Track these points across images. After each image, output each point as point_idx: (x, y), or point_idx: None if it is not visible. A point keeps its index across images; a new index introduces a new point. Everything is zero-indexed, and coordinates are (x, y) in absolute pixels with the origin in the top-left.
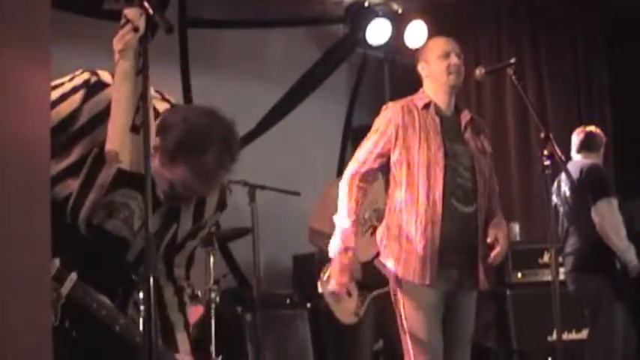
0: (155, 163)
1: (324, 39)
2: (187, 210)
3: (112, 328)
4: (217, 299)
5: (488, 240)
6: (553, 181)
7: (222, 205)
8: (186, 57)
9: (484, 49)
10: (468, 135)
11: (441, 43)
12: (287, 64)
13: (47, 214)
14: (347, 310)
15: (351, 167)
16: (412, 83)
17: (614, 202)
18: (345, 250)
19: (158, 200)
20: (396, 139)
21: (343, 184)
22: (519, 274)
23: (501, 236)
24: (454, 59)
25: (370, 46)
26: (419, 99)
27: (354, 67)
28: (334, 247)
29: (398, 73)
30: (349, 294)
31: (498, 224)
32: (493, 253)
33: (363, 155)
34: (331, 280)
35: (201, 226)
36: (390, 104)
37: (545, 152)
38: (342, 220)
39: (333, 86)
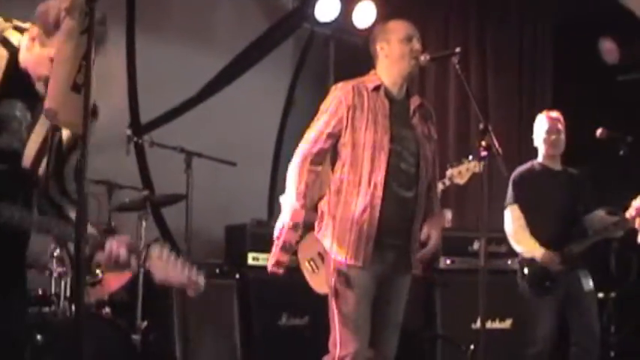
0: (34, 50)
1: (273, 11)
2: None
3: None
4: None
5: (422, 236)
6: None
7: (94, 112)
8: (133, 21)
9: (431, 36)
10: (415, 120)
11: (404, 27)
12: (234, 33)
13: None
14: (321, 282)
15: (303, 148)
16: (357, 63)
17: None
18: (295, 226)
19: (38, 97)
20: (347, 119)
21: (294, 166)
22: (448, 261)
23: (434, 235)
24: (416, 45)
25: (318, 23)
26: (370, 81)
27: (300, 42)
28: (281, 223)
29: (343, 52)
30: (316, 268)
31: (435, 221)
32: (423, 250)
33: (314, 135)
34: (270, 259)
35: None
36: (340, 84)
37: (483, 143)
38: (292, 201)
39: (278, 60)
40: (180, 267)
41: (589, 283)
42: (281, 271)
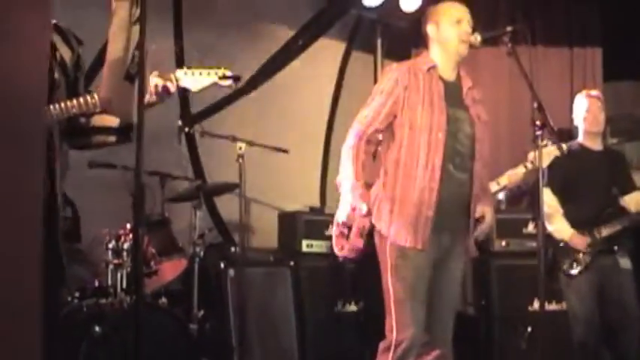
0: None
1: None
2: None
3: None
4: (201, 253)
5: (476, 215)
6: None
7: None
8: (180, 9)
9: (479, 16)
10: (468, 102)
11: (454, 9)
12: (282, 20)
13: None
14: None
15: (357, 128)
16: (405, 46)
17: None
18: (368, 211)
19: None
20: (403, 99)
21: (349, 147)
22: (503, 243)
23: (488, 213)
24: (467, 26)
25: (365, 7)
26: (423, 62)
27: (347, 27)
28: (348, 207)
29: (390, 36)
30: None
31: (487, 200)
32: (478, 230)
33: (370, 116)
34: (342, 245)
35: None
36: (395, 65)
37: (538, 122)
38: (354, 184)
39: (326, 46)
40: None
41: (627, 263)
42: (355, 256)
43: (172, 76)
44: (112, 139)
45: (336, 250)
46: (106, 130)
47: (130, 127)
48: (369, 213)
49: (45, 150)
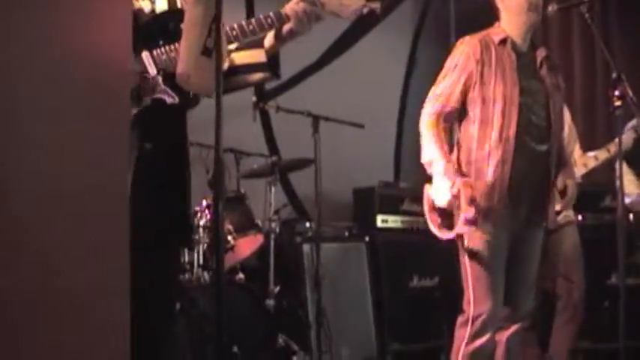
0: None
1: None
2: None
3: None
4: (277, 229)
5: (558, 186)
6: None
7: None
8: None
9: None
10: (543, 72)
11: None
12: None
13: (126, 128)
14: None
15: (434, 106)
16: (477, 19)
17: None
18: (472, 200)
19: None
20: (476, 74)
21: (429, 125)
22: (580, 217)
23: (571, 184)
24: None
25: None
26: (495, 34)
27: (419, 1)
28: (447, 192)
29: (463, 9)
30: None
31: (569, 171)
32: (563, 201)
33: (446, 93)
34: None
35: None
36: (467, 38)
37: (617, 93)
38: (440, 163)
39: (398, 20)
40: None
41: None
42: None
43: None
44: (258, 76)
45: (436, 231)
46: (252, 67)
47: (277, 60)
48: (472, 201)
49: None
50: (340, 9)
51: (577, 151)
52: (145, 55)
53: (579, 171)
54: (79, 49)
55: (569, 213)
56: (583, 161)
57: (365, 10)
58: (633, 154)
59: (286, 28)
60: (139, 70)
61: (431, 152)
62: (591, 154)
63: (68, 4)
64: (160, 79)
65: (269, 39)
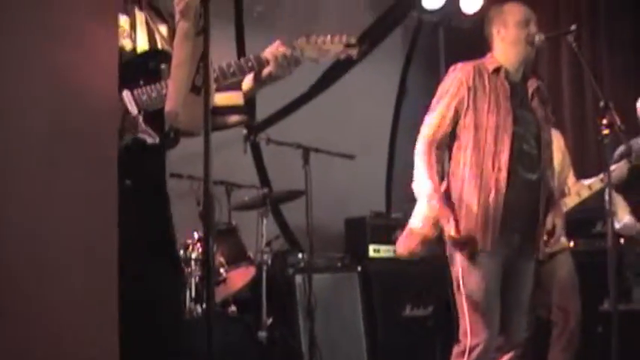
0: None
1: (380, 2)
2: None
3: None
4: (269, 261)
5: (547, 225)
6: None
7: None
8: (241, 17)
9: (541, 15)
10: (534, 103)
11: (521, 10)
12: (341, 26)
13: (114, 167)
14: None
15: (426, 133)
16: (467, 48)
17: None
18: (454, 222)
19: None
20: (468, 100)
21: (421, 153)
22: (571, 243)
23: (559, 223)
24: (533, 28)
25: (425, 10)
26: (489, 63)
27: (408, 31)
28: (425, 219)
29: (453, 38)
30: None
31: (557, 209)
32: (551, 240)
33: (437, 119)
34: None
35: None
36: (460, 65)
37: (604, 121)
38: (430, 193)
39: (388, 50)
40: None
41: None
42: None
43: (296, 44)
44: (235, 119)
45: (397, 247)
46: (230, 109)
47: (252, 103)
48: (455, 225)
49: (116, 167)
50: (319, 54)
51: (570, 178)
52: (126, 94)
53: (572, 200)
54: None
55: (562, 240)
56: (577, 189)
57: (342, 56)
58: (627, 181)
59: (266, 71)
60: (120, 109)
61: (419, 179)
62: (585, 182)
63: (55, 42)
64: (140, 118)
65: (247, 82)
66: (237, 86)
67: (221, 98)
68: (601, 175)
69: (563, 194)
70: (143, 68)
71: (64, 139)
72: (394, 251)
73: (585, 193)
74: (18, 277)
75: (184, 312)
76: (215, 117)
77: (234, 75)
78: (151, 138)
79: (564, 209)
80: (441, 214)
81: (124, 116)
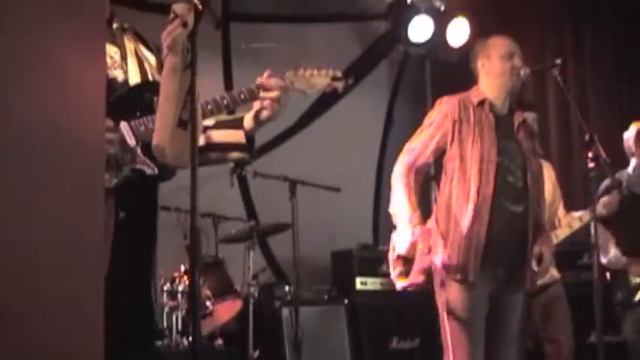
0: None
1: (366, 35)
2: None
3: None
4: (256, 294)
5: (535, 254)
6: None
7: None
8: (229, 50)
9: (527, 48)
10: (520, 135)
11: (506, 43)
12: (329, 59)
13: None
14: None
15: (406, 159)
16: (453, 80)
17: None
18: (429, 249)
19: None
20: (453, 133)
21: (399, 177)
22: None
23: (547, 253)
24: (518, 62)
25: (412, 43)
26: (474, 95)
27: (395, 63)
28: (406, 243)
29: (439, 71)
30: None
31: (545, 239)
32: (538, 270)
33: (418, 148)
34: (409, 278)
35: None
36: (446, 98)
37: (590, 154)
38: (410, 216)
39: (375, 82)
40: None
41: None
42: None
43: (285, 76)
44: (236, 155)
45: (395, 280)
46: (232, 146)
47: (253, 142)
48: (429, 251)
49: (103, 205)
50: (307, 87)
51: (561, 210)
52: (124, 125)
53: (563, 232)
54: (49, 119)
55: (554, 272)
56: (567, 221)
57: (329, 89)
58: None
59: (264, 114)
60: (119, 140)
61: (398, 202)
62: (576, 214)
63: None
64: (139, 149)
65: (248, 121)
66: (239, 125)
67: (223, 135)
68: (590, 207)
69: (553, 226)
70: (138, 100)
71: (47, 177)
72: (382, 284)
73: (576, 225)
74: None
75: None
76: (215, 152)
77: (228, 107)
78: (149, 169)
79: (555, 241)
80: (425, 238)
81: (122, 148)
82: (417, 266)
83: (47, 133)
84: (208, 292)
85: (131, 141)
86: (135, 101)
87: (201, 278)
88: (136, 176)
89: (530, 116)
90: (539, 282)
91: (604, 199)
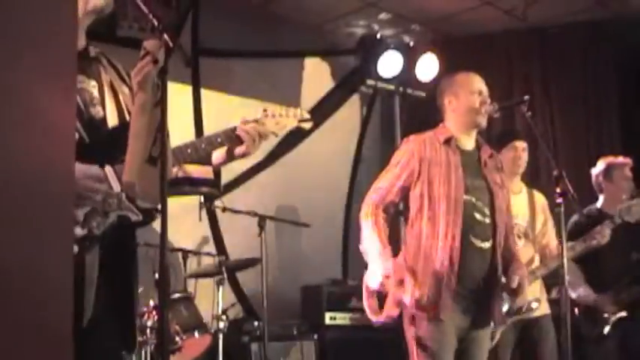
0: None
1: (336, 70)
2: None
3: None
4: (225, 329)
5: (512, 285)
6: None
7: None
8: (198, 85)
9: (494, 84)
10: (487, 171)
11: (473, 80)
12: (298, 94)
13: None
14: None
15: (373, 198)
16: (423, 116)
17: None
18: (400, 282)
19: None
20: (419, 172)
21: (366, 214)
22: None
23: (524, 281)
24: (485, 97)
25: (381, 78)
26: (440, 133)
27: (365, 98)
28: (379, 277)
29: (409, 106)
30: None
31: (519, 268)
32: (516, 300)
33: (386, 187)
34: (383, 312)
35: None
36: (412, 137)
37: (558, 190)
38: (381, 251)
39: (344, 117)
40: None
41: None
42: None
43: (259, 119)
44: (204, 190)
45: (371, 315)
46: (203, 181)
47: (219, 177)
48: (401, 283)
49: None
50: (276, 128)
51: (553, 240)
52: (108, 170)
53: (553, 262)
54: (15, 162)
55: (545, 305)
56: (559, 252)
57: (294, 128)
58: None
59: (239, 150)
60: (105, 187)
61: (368, 239)
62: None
63: (4, 113)
64: (123, 195)
65: (218, 157)
66: (207, 160)
67: (196, 170)
68: (584, 236)
69: (545, 255)
70: (120, 143)
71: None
72: (351, 319)
73: (569, 254)
74: None
75: None
76: (187, 186)
77: (206, 150)
78: (134, 215)
79: (545, 271)
80: (397, 271)
81: (108, 194)
82: (390, 299)
83: (10, 174)
84: (177, 328)
85: (116, 186)
86: (117, 145)
87: (170, 313)
88: (121, 223)
89: (521, 146)
90: (532, 315)
91: (597, 229)
